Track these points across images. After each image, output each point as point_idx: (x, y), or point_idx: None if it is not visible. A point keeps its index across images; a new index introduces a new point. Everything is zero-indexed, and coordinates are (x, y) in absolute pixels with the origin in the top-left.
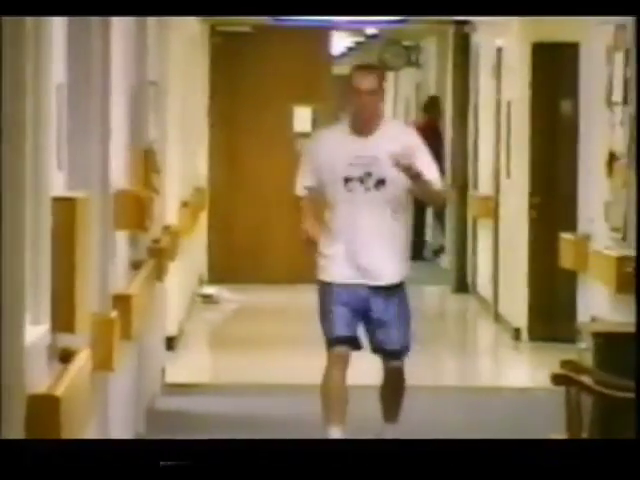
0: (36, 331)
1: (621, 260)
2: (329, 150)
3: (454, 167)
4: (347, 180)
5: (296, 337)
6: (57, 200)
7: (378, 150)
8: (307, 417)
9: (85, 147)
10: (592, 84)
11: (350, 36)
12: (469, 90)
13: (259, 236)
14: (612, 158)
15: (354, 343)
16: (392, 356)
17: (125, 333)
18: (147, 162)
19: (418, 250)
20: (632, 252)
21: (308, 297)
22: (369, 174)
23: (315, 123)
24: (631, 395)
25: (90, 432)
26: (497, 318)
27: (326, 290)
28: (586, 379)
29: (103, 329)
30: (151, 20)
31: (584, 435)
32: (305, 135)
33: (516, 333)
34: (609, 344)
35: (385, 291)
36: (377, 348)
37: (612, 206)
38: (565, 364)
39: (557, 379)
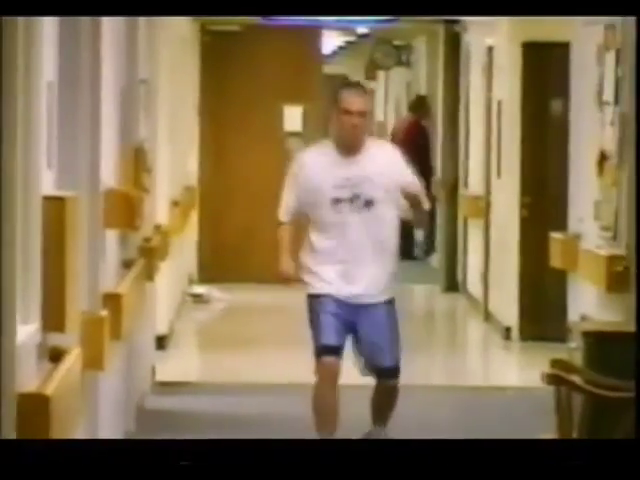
0: (26, 330)
1: (611, 259)
2: (316, 172)
3: (444, 166)
4: (336, 201)
5: (286, 336)
6: (47, 199)
7: (366, 171)
8: (296, 416)
9: (75, 146)
10: (582, 84)
11: (341, 35)
12: (459, 89)
13: (249, 235)
14: (602, 157)
15: (342, 352)
16: (387, 375)
17: (115, 332)
18: (137, 161)
19: (408, 249)
20: (622, 251)
21: (298, 297)
22: (357, 195)
23: (305, 122)
24: (621, 394)
25: (80, 431)
26: (487, 317)
27: (315, 301)
28: (576, 378)
29: (93, 328)
30: (141, 19)
31: (574, 434)
32: (295, 134)
33: (506, 332)
34: (599, 343)
35: (375, 308)
36: (370, 367)
37: (602, 205)
38: (555, 363)
39: (547, 378)
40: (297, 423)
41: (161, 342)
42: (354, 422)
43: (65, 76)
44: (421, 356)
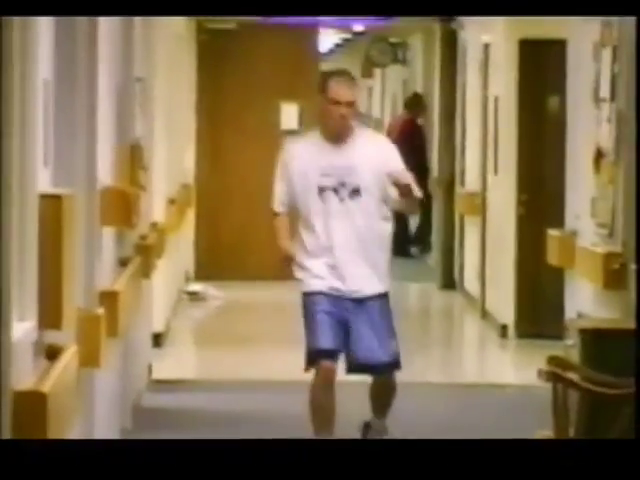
0: (22, 327)
1: (608, 256)
2: (303, 160)
3: (441, 164)
4: (321, 190)
5: (282, 333)
6: (43, 197)
7: (353, 159)
8: (293, 413)
9: (71, 143)
10: (579, 81)
11: (337, 33)
12: (456, 87)
13: (245, 233)
14: (599, 155)
15: (338, 356)
16: (382, 370)
17: (111, 330)
18: (134, 159)
19: (404, 247)
20: (619, 248)
21: (294, 294)
22: (343, 184)
23: (302, 120)
24: (618, 392)
25: (76, 428)
26: (484, 315)
27: (309, 300)
28: (573, 376)
29: (89, 326)
30: (137, 17)
31: (571, 431)
32: (292, 132)
33: (503, 330)
34: (596, 341)
35: (368, 303)
36: (362, 364)
37: (599, 202)
38: (552, 360)
39: (544, 376)
40: (294, 420)
41: (157, 340)
42: (351, 419)
43: (61, 74)
44: (418, 354)
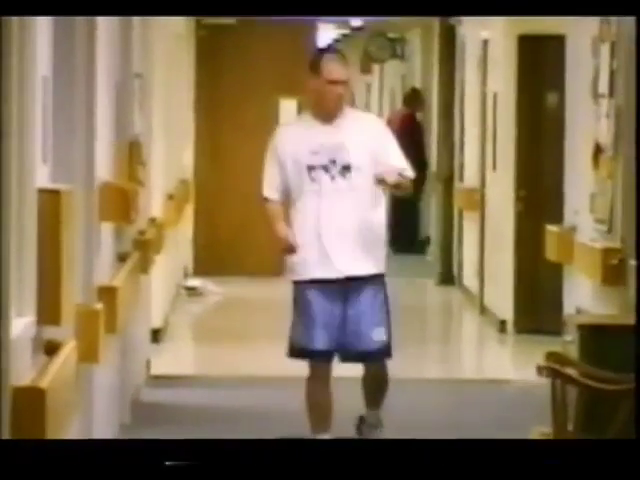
0: (21, 323)
1: (606, 252)
2: (292, 142)
3: (440, 159)
4: (310, 169)
5: (280, 329)
6: (42, 192)
7: (343, 137)
8: (291, 409)
9: (70, 139)
10: (578, 76)
11: (335, 28)
12: (455, 82)
13: (244, 228)
14: (598, 150)
15: (331, 356)
16: (374, 357)
17: (110, 325)
18: (132, 154)
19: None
20: (617, 244)
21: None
22: (333, 161)
23: None
24: (616, 387)
25: (75, 424)
26: (483, 310)
27: (301, 291)
28: (571, 371)
29: (88, 321)
30: None
31: (569, 427)
32: None
33: (502, 325)
34: (594, 336)
35: (361, 287)
36: (351, 351)
37: (597, 198)
38: (550, 356)
39: (542, 371)
40: (292, 416)
41: (156, 335)
42: (348, 414)
43: (60, 70)
44: (416, 350)
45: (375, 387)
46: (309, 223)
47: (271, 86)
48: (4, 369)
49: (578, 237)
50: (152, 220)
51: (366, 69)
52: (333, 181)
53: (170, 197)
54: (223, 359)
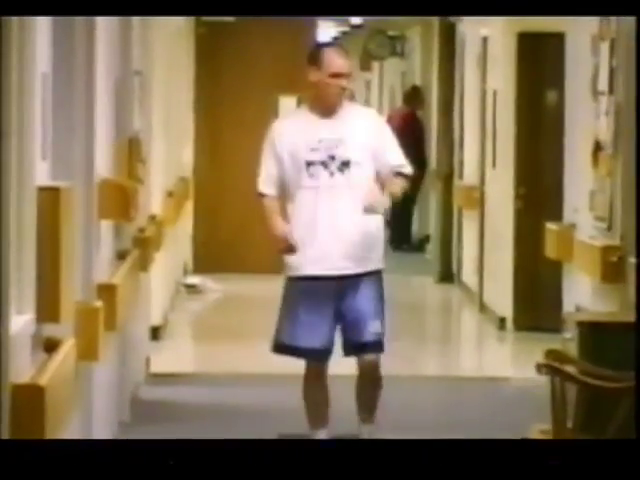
0: (20, 321)
1: (606, 250)
2: (289, 136)
3: (439, 157)
4: (309, 164)
5: None
6: (42, 190)
7: (342, 132)
8: (290, 406)
9: (70, 137)
10: (577, 74)
11: (335, 26)
12: (454, 80)
13: (244, 226)
14: (597, 148)
15: (327, 354)
16: (366, 350)
17: (109, 323)
18: (132, 152)
19: (404, 240)
20: (617, 242)
21: None
22: (332, 157)
23: None
24: (615, 385)
25: (74, 421)
26: (482, 308)
27: (296, 288)
28: (570, 369)
29: (88, 318)
30: None
31: (569, 424)
32: None
33: (501, 323)
34: (594, 334)
35: (357, 282)
36: (348, 342)
37: (597, 196)
38: (549, 354)
39: (542, 369)
40: (292, 414)
41: (155, 333)
42: (346, 413)
43: (60, 67)
44: (416, 347)
45: (369, 393)
46: (306, 220)
47: (271, 83)
48: (3, 366)
49: (578, 235)
50: (152, 218)
51: (366, 67)
52: (332, 177)
53: (170, 194)
54: (222, 357)
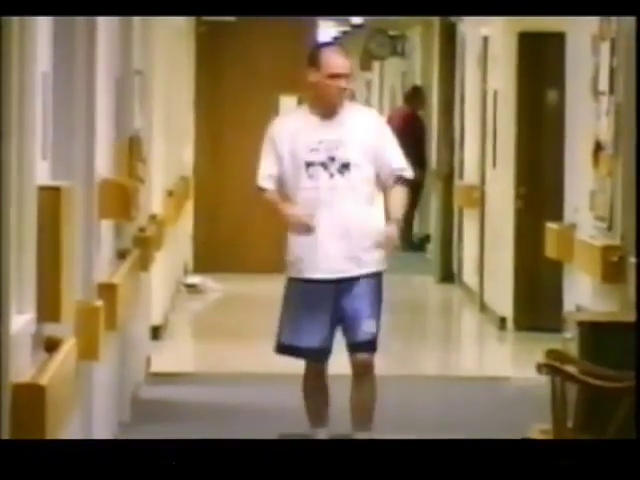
0: (21, 320)
1: (606, 249)
2: (289, 136)
3: (439, 157)
4: (308, 165)
5: None
6: (42, 189)
7: (343, 133)
8: (290, 406)
9: (70, 136)
10: (578, 74)
11: (336, 26)
12: (455, 79)
13: (244, 225)
14: (598, 148)
15: (326, 354)
16: (357, 348)
17: (110, 322)
18: (132, 151)
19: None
20: (617, 241)
21: None
22: (332, 158)
23: None
24: (616, 385)
25: (75, 421)
26: (482, 308)
27: (296, 289)
28: (571, 368)
29: (88, 318)
30: None
31: (569, 424)
32: None
33: (501, 323)
34: (594, 333)
35: (356, 283)
36: (346, 342)
37: (597, 195)
38: (550, 353)
39: (542, 369)
40: (292, 414)
41: (156, 332)
42: (347, 413)
43: (60, 67)
44: (416, 347)
45: (363, 399)
46: (305, 221)
47: (271, 83)
48: (4, 366)
49: (578, 234)
50: (152, 217)
51: (366, 66)
52: (331, 179)
53: (170, 194)
54: (223, 356)
